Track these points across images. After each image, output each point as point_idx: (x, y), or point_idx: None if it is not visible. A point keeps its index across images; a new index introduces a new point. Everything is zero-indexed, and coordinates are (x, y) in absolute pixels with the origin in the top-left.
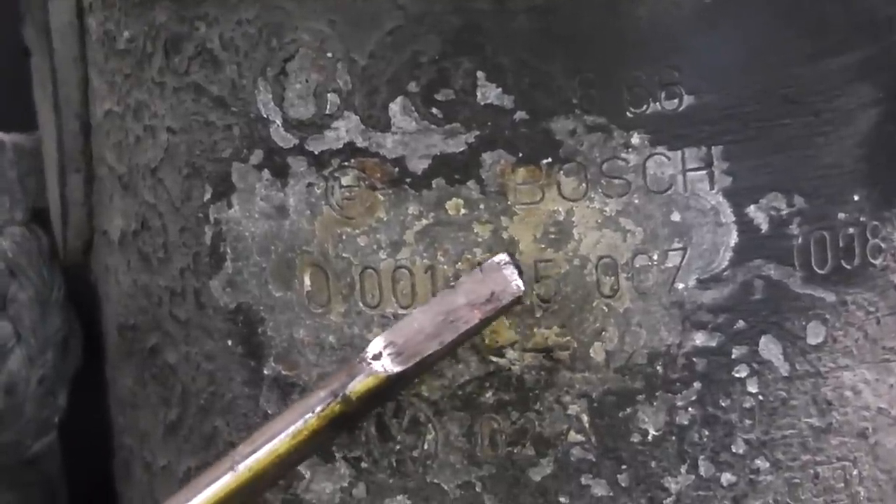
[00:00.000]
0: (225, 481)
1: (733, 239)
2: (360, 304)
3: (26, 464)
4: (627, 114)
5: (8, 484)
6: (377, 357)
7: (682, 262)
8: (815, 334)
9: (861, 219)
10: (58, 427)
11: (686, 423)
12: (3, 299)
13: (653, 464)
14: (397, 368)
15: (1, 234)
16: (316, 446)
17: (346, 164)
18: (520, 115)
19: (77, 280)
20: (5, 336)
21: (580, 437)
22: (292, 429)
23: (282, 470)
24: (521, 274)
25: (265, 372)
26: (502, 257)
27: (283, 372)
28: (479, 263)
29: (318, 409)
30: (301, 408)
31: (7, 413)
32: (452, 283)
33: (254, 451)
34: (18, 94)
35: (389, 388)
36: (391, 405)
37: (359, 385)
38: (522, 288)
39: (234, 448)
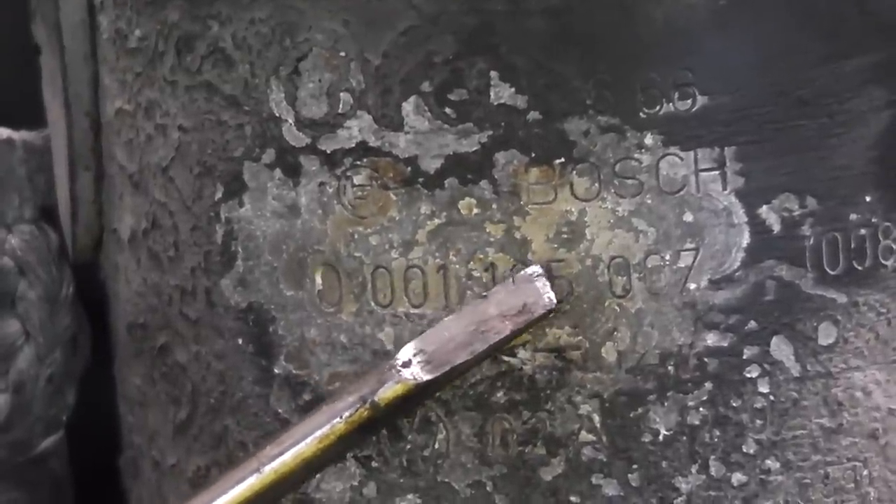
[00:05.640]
0: (250, 483)
1: (745, 240)
2: (372, 304)
3: (33, 462)
4: (641, 114)
5: (15, 482)
6: (407, 364)
7: (694, 262)
8: (826, 335)
9: (873, 220)
10: (65, 425)
11: (697, 423)
12: (12, 297)
13: (664, 464)
14: (427, 376)
15: (10, 232)
16: (341, 451)
17: (358, 163)
18: (533, 115)
19: (86, 278)
20: (14, 334)
21: (591, 437)
22: (319, 433)
23: (306, 473)
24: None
25: (276, 371)
26: (535, 269)
27: (294, 371)
28: (511, 270)
29: (346, 414)
30: (329, 412)
31: (15, 411)
32: (484, 294)
33: (280, 454)
34: (27, 91)
35: (418, 396)
36: None
37: (388, 392)
38: (555, 301)
39: (244, 448)
